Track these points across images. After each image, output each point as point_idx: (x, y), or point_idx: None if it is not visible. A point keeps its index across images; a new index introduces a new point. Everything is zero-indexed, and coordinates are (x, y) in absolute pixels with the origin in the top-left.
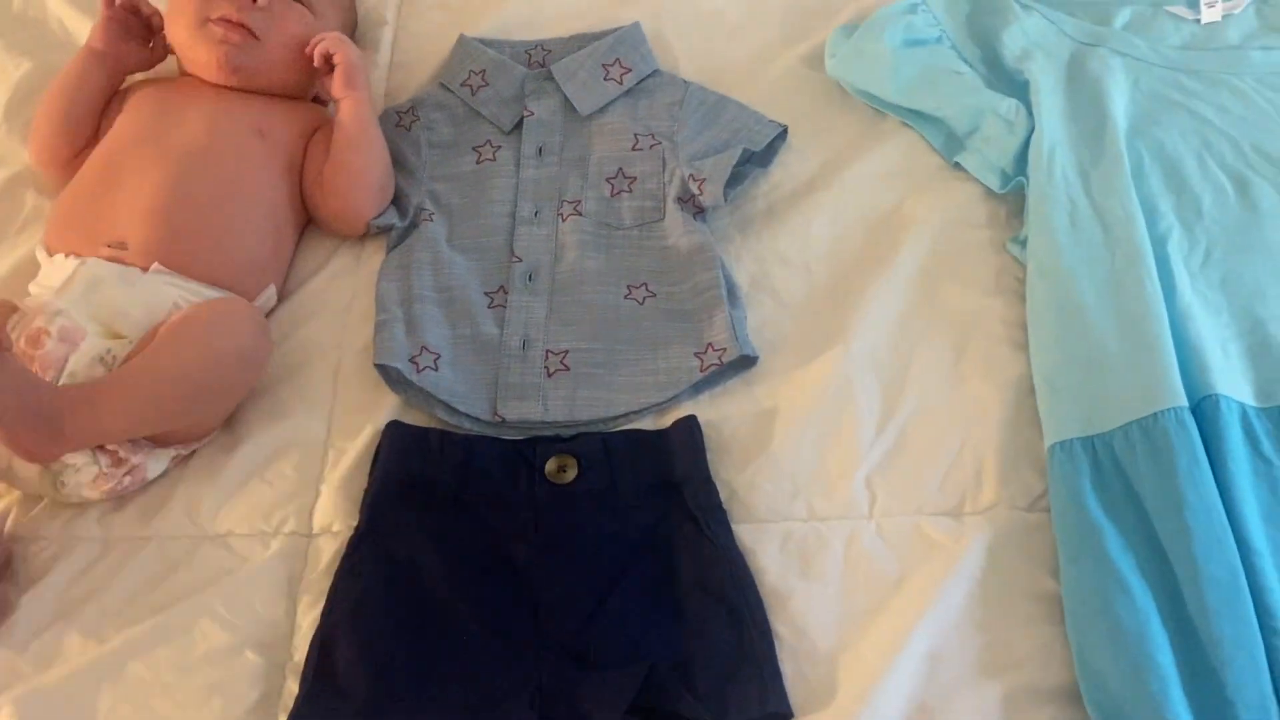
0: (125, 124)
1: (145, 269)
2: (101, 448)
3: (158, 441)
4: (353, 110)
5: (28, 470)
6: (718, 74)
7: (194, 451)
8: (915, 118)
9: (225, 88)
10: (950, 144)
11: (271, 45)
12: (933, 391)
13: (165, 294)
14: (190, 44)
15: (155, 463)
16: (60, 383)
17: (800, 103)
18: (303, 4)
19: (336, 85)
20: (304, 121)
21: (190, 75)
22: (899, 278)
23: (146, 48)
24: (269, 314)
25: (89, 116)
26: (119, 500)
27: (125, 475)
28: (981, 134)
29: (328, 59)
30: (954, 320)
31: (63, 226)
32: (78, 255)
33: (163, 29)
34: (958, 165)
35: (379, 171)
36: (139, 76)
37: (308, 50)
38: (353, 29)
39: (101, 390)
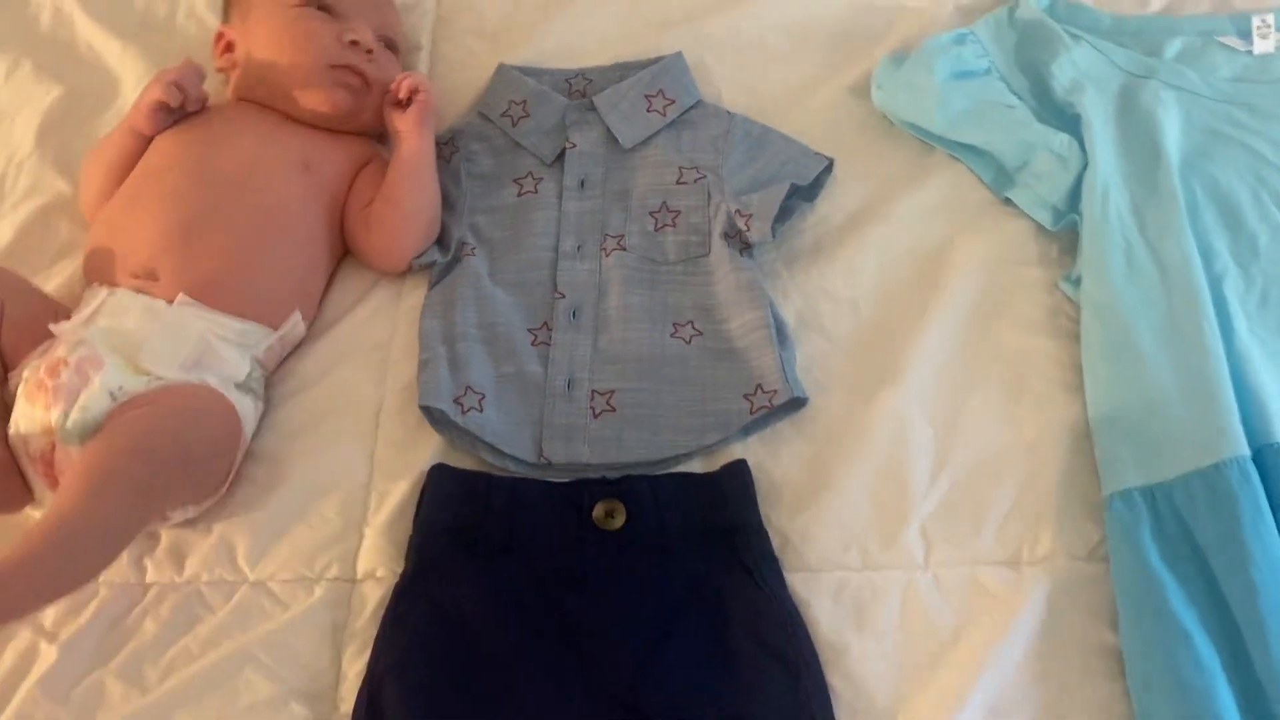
0: (166, 148)
1: (171, 300)
2: None
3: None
4: (418, 148)
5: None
6: (761, 104)
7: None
8: (964, 151)
9: (276, 117)
10: (1000, 178)
11: (375, 91)
12: (986, 436)
13: (191, 326)
14: (306, 84)
15: (178, 515)
16: (70, 416)
17: (846, 134)
18: (392, 51)
19: (409, 120)
20: (353, 155)
21: (242, 102)
22: (949, 316)
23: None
24: (297, 345)
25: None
26: (154, 544)
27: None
28: (1032, 169)
29: (411, 93)
30: (1006, 361)
31: (95, 253)
32: (109, 284)
33: (204, 102)
34: (1008, 200)
35: (430, 211)
36: None
37: (394, 85)
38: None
39: (17, 554)
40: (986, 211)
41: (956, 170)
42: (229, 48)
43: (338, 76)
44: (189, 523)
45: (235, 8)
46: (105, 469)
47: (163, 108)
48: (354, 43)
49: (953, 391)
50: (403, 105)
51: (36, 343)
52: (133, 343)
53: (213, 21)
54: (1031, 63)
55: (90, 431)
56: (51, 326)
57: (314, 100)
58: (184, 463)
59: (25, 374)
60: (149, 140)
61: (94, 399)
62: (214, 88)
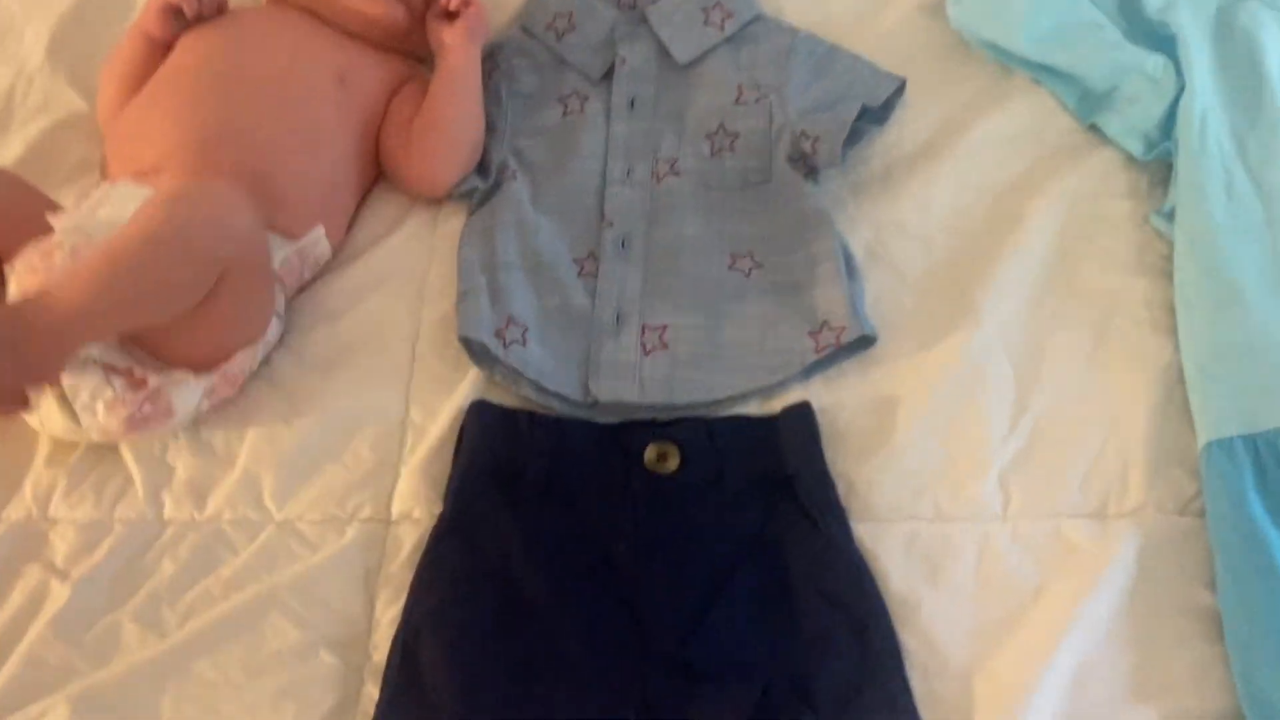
0: (190, 50)
1: None
2: (113, 369)
3: (169, 357)
4: (465, 64)
5: (50, 409)
6: (826, 21)
7: (228, 395)
8: (1046, 74)
9: (314, 24)
10: (1086, 104)
11: (418, 6)
12: (1071, 380)
13: None
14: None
15: (182, 394)
16: None
17: (918, 54)
18: None
19: (457, 33)
20: (392, 74)
21: (277, 2)
22: (1030, 253)
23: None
24: (323, 270)
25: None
26: (170, 473)
27: (145, 402)
28: (1123, 94)
29: (462, 4)
30: (1092, 301)
31: (111, 152)
32: (115, 179)
33: (225, 7)
34: (1094, 128)
35: (474, 133)
36: None
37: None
38: None
39: (52, 285)
40: (1071, 140)
41: (1038, 95)
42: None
43: None
44: (210, 454)
45: None
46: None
47: (174, 11)
48: None
49: (1033, 332)
50: (450, 18)
51: (33, 237)
52: None
53: None
54: None
55: None
56: (49, 216)
57: (371, 14)
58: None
59: (17, 265)
60: (165, 45)
61: None
62: None
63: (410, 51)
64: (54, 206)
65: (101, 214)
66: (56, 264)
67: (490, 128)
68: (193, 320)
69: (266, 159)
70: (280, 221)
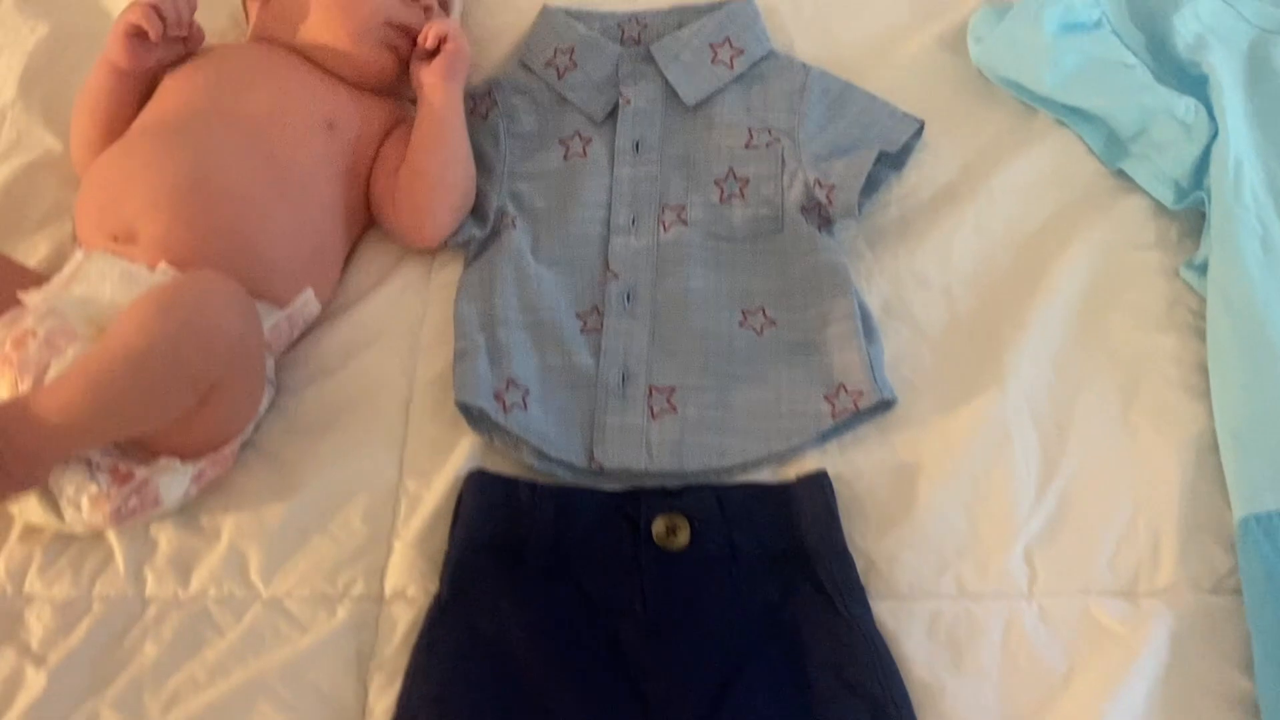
0: (174, 91)
1: (154, 266)
2: (96, 464)
3: (157, 448)
4: (444, 102)
5: (29, 502)
6: (839, 56)
7: (218, 475)
8: (1070, 115)
9: (301, 64)
10: (1112, 148)
11: (405, 49)
12: (1099, 446)
13: None
14: (352, 40)
15: (170, 481)
16: None
17: (936, 92)
18: (443, 7)
19: (434, 71)
20: (383, 117)
21: (263, 43)
22: (1055, 308)
23: (181, 44)
24: (312, 327)
25: (130, 119)
26: (153, 548)
27: (132, 495)
28: (1151, 138)
29: (440, 41)
30: (1120, 359)
31: (80, 210)
32: (88, 246)
33: (200, 39)
34: (1121, 173)
35: (462, 179)
36: None
37: (421, 36)
38: None
39: (38, 393)
40: (1097, 186)
41: (1063, 137)
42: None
43: (388, 36)
44: (194, 527)
45: None
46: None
47: (138, 35)
48: None
49: (1060, 394)
50: (430, 56)
51: (2, 312)
52: (108, 312)
53: None
54: (1146, 13)
55: None
56: (20, 295)
57: (358, 61)
58: (212, 343)
59: None
60: (139, 81)
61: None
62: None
63: (400, 94)
64: (23, 273)
65: (76, 291)
66: (31, 355)
67: (487, 170)
68: (181, 420)
69: (251, 218)
70: (267, 288)
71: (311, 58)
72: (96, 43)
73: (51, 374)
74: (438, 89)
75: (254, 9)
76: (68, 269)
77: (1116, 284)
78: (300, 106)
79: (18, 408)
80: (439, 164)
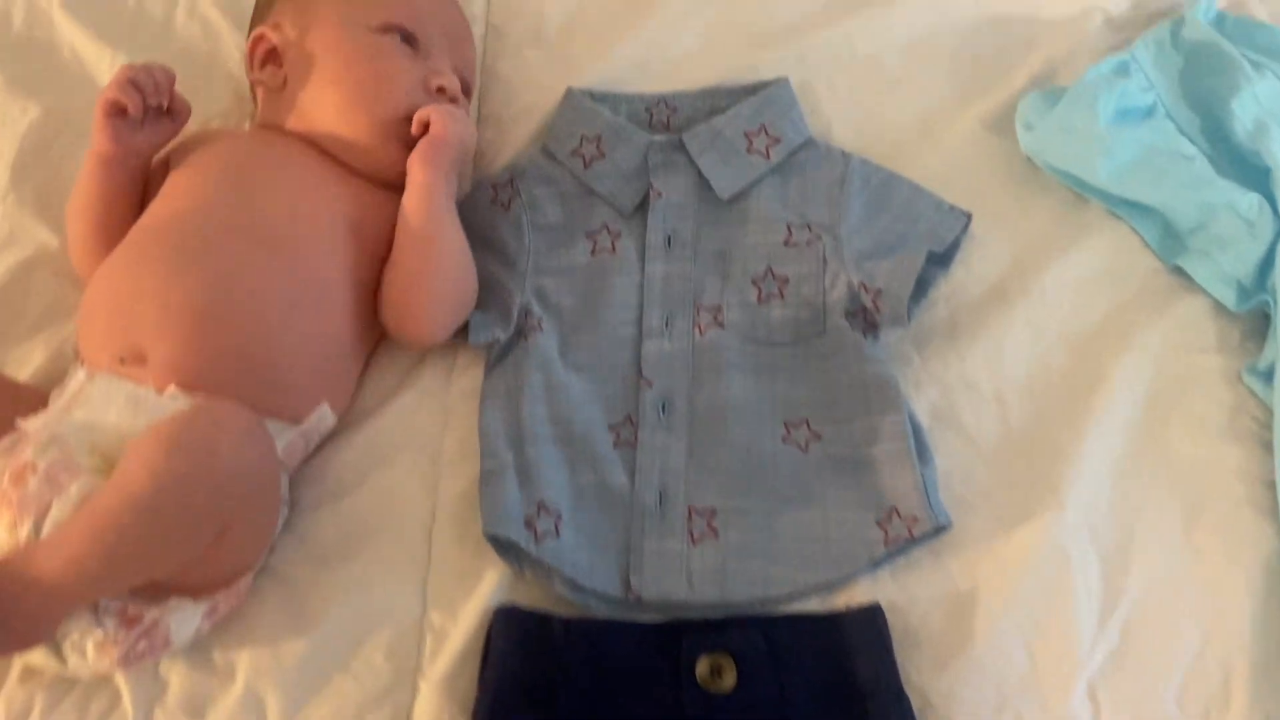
0: (182, 191)
1: (162, 389)
2: (104, 608)
3: (166, 586)
4: (420, 193)
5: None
6: (879, 140)
7: (231, 609)
8: (1125, 206)
9: (319, 157)
10: (1168, 242)
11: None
12: (1163, 570)
13: None
14: (373, 135)
15: (181, 619)
16: (43, 534)
17: (982, 179)
18: (466, 94)
19: (415, 157)
20: (395, 213)
21: (271, 131)
22: (1114, 417)
23: (168, 120)
24: (325, 438)
25: (130, 215)
26: (163, 689)
27: (141, 638)
28: (1211, 233)
29: (422, 126)
30: (1182, 474)
31: (84, 322)
32: (92, 365)
33: (185, 113)
34: (1178, 269)
35: (451, 279)
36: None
37: (415, 123)
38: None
39: (40, 547)
40: (1154, 283)
41: (1117, 229)
42: (272, 56)
43: (409, 133)
44: (207, 666)
45: (283, 7)
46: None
47: (119, 114)
48: (440, 89)
49: (1121, 513)
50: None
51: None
52: (113, 440)
53: (221, 23)
54: (1202, 95)
55: None
56: (19, 421)
57: (379, 157)
58: (224, 483)
59: None
60: (130, 170)
61: (68, 510)
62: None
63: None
64: (16, 391)
65: (79, 416)
66: (31, 492)
67: (510, 264)
68: (192, 560)
69: (270, 337)
70: (282, 406)
71: (327, 150)
72: (87, 127)
73: (54, 514)
74: (416, 179)
75: (262, 94)
76: (69, 390)
77: (1176, 390)
78: (322, 207)
79: (18, 564)
80: (423, 261)
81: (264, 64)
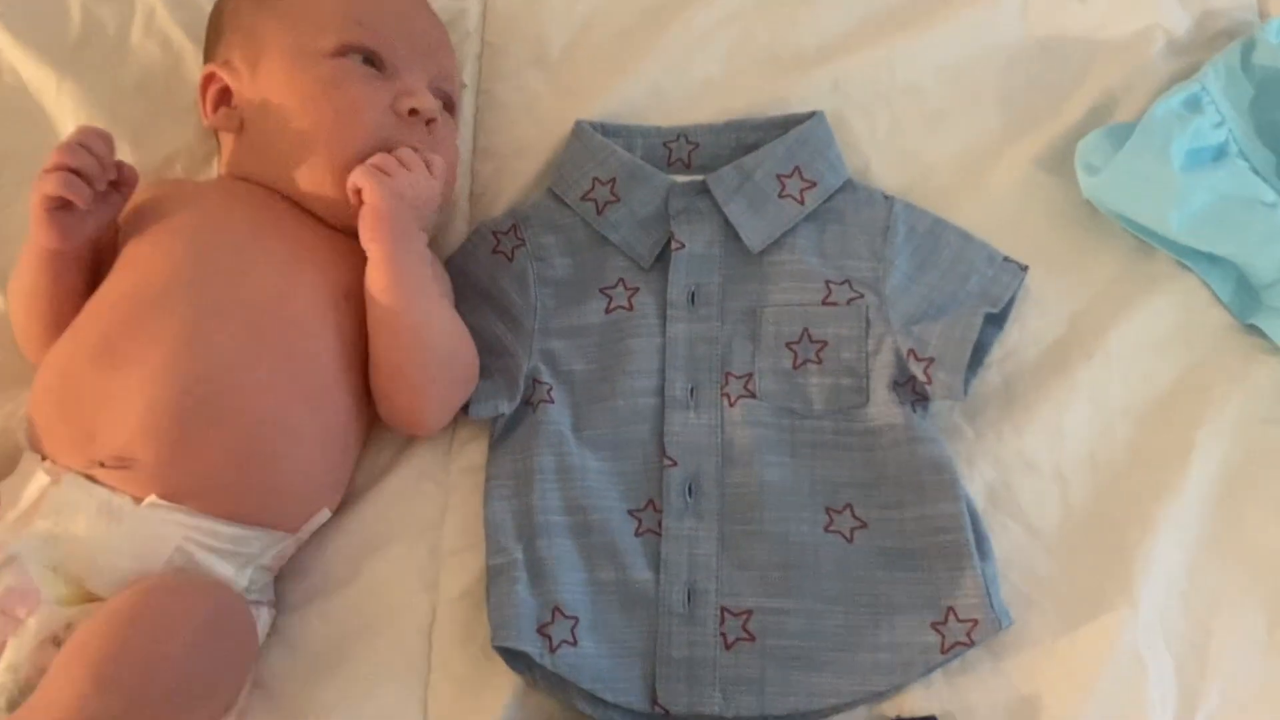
0: (142, 264)
1: (139, 498)
2: None
3: None
4: (377, 271)
5: None
6: (922, 181)
7: None
8: (1194, 256)
9: (298, 214)
10: (1242, 297)
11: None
12: (1243, 675)
13: (165, 537)
14: (341, 187)
15: None
16: None
17: (1036, 225)
18: (449, 110)
19: (362, 233)
20: None
21: (239, 184)
22: (1187, 501)
23: (115, 193)
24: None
25: (83, 298)
26: None
27: None
28: None
29: (354, 192)
30: (1262, 565)
31: (45, 413)
32: (56, 465)
33: (134, 180)
34: (1253, 327)
35: (440, 364)
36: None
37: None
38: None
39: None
40: (1227, 344)
41: (1186, 282)
42: (224, 98)
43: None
44: None
45: (231, 39)
46: None
47: (62, 207)
48: (413, 112)
49: (1196, 610)
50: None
51: None
52: (81, 557)
53: (183, 41)
54: (1277, 128)
55: (24, 694)
56: None
57: (349, 207)
58: (169, 697)
59: None
60: (78, 254)
61: (26, 651)
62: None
63: None
64: None
65: (40, 528)
66: None
67: (515, 324)
68: None
69: (270, 438)
70: (280, 517)
71: (300, 203)
72: (34, 159)
73: (8, 658)
74: (370, 255)
75: (226, 141)
76: (27, 494)
77: (1254, 468)
78: (311, 278)
79: None
80: (402, 351)
81: (216, 106)
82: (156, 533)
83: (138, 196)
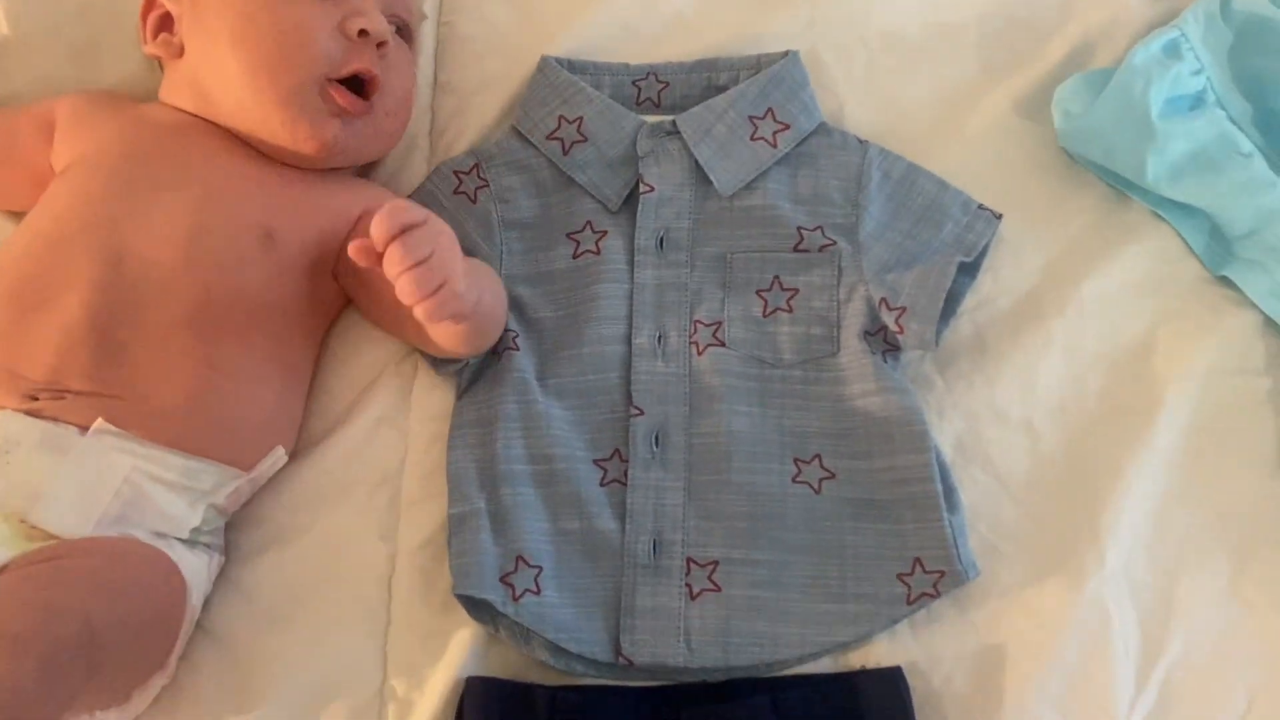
0: (60, 200)
1: (84, 428)
2: None
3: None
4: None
5: None
6: (897, 126)
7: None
8: (1168, 206)
9: (227, 144)
10: (1215, 249)
11: (376, 111)
12: (1207, 624)
13: (114, 466)
14: (284, 108)
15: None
16: None
17: (1013, 172)
18: (405, 38)
19: (422, 314)
20: (339, 211)
21: (175, 112)
22: (1155, 448)
23: None
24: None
25: None
26: None
27: None
28: (1265, 242)
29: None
30: (1229, 515)
31: None
32: None
33: None
34: (1225, 279)
35: (482, 330)
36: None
37: (356, 247)
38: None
39: None
40: (1200, 295)
41: (1160, 233)
42: (165, 24)
43: (332, 100)
44: None
45: None
46: None
47: None
48: (363, 33)
49: (1161, 559)
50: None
51: None
52: (28, 491)
53: None
54: (1255, 78)
55: None
56: None
57: (293, 135)
58: (95, 653)
59: None
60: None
61: None
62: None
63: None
64: None
65: None
66: None
67: None
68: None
69: (190, 364)
70: (225, 450)
71: (236, 133)
72: None
73: None
74: (438, 331)
75: (168, 69)
76: None
77: (1223, 419)
78: (227, 213)
79: None
80: (450, 340)
81: (157, 32)
82: (104, 461)
83: (74, 111)
